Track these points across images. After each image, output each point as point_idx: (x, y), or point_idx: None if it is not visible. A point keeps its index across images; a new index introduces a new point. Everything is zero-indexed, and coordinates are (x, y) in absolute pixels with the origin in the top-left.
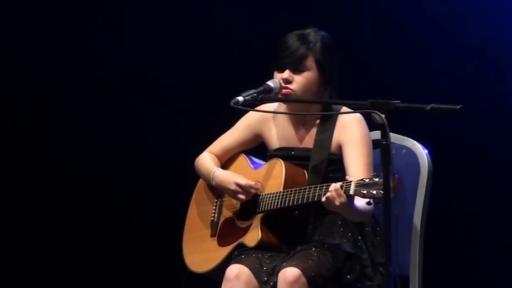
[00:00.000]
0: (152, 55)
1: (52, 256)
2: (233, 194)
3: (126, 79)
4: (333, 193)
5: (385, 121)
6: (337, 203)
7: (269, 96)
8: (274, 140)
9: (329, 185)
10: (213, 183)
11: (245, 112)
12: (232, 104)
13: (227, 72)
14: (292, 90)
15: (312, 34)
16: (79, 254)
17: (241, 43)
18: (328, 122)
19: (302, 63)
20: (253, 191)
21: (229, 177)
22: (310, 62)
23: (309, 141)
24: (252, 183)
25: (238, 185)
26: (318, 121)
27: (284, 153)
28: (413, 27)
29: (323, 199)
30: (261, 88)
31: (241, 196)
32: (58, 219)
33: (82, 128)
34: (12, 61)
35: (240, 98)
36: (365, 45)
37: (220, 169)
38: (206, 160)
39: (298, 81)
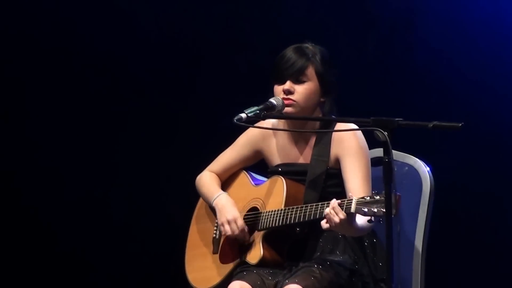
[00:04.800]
0: (151, 69)
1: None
2: (225, 222)
3: (125, 95)
4: (331, 211)
5: (387, 139)
6: (336, 220)
7: (272, 113)
8: (274, 156)
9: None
10: (213, 204)
11: (245, 128)
12: (235, 120)
13: (229, 89)
14: (294, 100)
15: (310, 47)
16: (80, 270)
17: (243, 58)
18: (325, 136)
19: (303, 73)
20: (242, 234)
21: (231, 208)
22: (311, 72)
23: (308, 156)
24: (246, 229)
25: (235, 219)
26: (316, 135)
27: (284, 169)
28: (416, 43)
29: (323, 223)
30: (264, 105)
31: (228, 230)
32: (61, 228)
33: (76, 128)
34: None
35: (243, 115)
36: (368, 63)
37: (225, 194)
38: (208, 181)
39: (300, 92)
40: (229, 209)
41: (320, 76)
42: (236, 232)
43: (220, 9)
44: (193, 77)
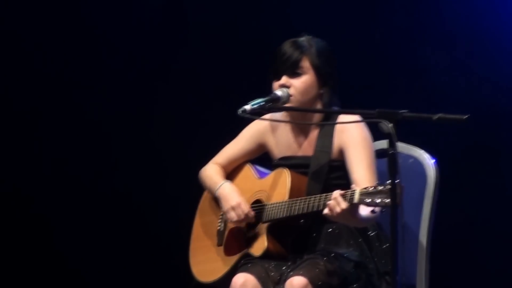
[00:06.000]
0: (152, 62)
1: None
2: (230, 209)
3: (130, 88)
4: (333, 202)
5: (392, 131)
6: (338, 210)
7: (277, 105)
8: (278, 149)
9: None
10: (216, 194)
11: (250, 121)
12: (239, 112)
13: (233, 81)
14: (290, 95)
15: (306, 39)
16: (83, 266)
17: (245, 51)
18: (328, 127)
19: (297, 66)
20: (248, 219)
21: (235, 194)
22: (306, 65)
23: (311, 148)
24: (252, 213)
25: (239, 204)
26: (318, 127)
27: (288, 162)
28: (420, 35)
29: (325, 211)
30: (269, 97)
31: (234, 216)
32: (66, 224)
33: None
34: None
35: (248, 107)
36: (373, 54)
37: (229, 183)
38: (213, 172)
39: (296, 85)
40: (232, 196)
41: (316, 68)
42: (242, 216)
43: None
44: (197, 69)
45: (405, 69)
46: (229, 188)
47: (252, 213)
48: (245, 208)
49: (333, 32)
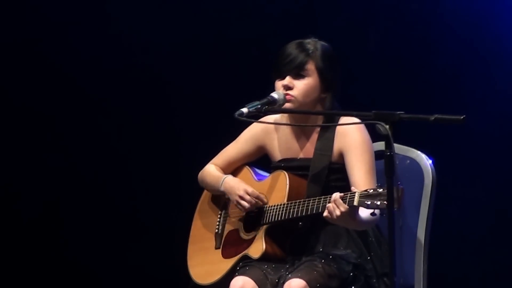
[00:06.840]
0: (153, 62)
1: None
2: (239, 199)
3: (131, 90)
4: (332, 204)
5: (389, 132)
6: (338, 212)
7: (273, 107)
8: (277, 151)
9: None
10: (222, 188)
11: (249, 123)
12: (236, 115)
13: (231, 84)
14: (293, 96)
15: (312, 42)
16: (80, 267)
17: (244, 54)
18: (328, 130)
19: (302, 68)
20: (259, 202)
21: (239, 184)
22: (310, 68)
23: (310, 150)
24: (260, 194)
25: (246, 191)
26: (319, 130)
27: (287, 164)
28: (418, 37)
29: (325, 213)
30: (265, 99)
31: (246, 204)
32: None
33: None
34: None
35: (245, 110)
36: (369, 56)
37: (231, 176)
38: (213, 170)
39: (299, 87)
40: (236, 186)
41: (320, 72)
42: (253, 201)
43: (219, 5)
44: (195, 73)
45: (403, 69)
46: (231, 180)
47: (261, 195)
48: (251, 192)
49: (331, 32)
